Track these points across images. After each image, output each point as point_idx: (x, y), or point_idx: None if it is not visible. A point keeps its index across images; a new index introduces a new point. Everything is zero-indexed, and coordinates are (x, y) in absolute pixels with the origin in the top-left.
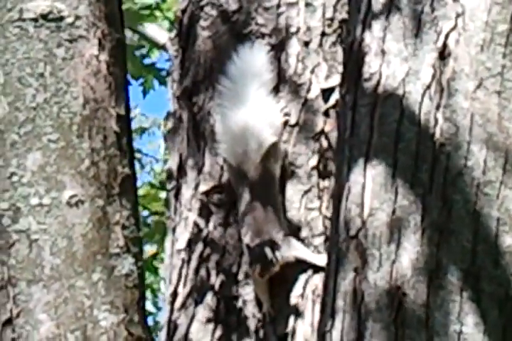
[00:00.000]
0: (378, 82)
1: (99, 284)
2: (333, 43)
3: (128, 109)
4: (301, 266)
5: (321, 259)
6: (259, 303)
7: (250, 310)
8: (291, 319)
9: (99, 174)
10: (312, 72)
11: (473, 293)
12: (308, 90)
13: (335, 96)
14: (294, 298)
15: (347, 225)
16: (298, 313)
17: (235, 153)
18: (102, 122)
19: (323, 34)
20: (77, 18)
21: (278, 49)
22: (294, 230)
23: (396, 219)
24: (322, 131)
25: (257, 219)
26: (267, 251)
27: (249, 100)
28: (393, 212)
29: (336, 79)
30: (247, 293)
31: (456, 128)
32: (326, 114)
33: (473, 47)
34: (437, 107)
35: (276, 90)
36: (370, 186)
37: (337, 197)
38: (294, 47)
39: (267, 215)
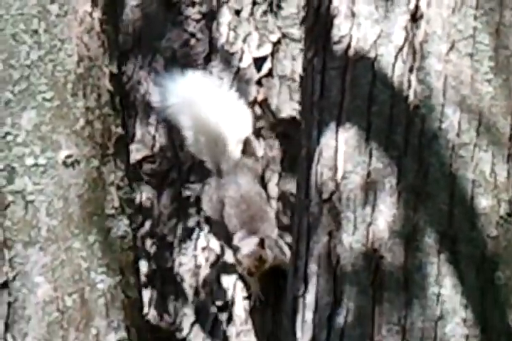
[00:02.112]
0: (349, 45)
1: (96, 246)
2: (264, 12)
3: (120, 68)
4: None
5: None
6: (195, 273)
7: (187, 280)
8: (231, 289)
9: (94, 134)
10: (244, 41)
11: (450, 255)
12: (240, 59)
13: (267, 65)
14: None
15: (319, 189)
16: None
17: (213, 153)
18: (96, 81)
19: (254, 3)
20: None
21: (209, 18)
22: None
23: (371, 182)
24: (255, 100)
25: (252, 217)
26: (260, 250)
27: (219, 103)
28: (368, 174)
29: (267, 48)
30: (183, 262)
31: (430, 90)
32: (259, 83)
33: (445, 9)
34: (410, 70)
35: (207, 59)
36: (343, 149)
37: (306, 161)
38: (225, 16)
39: (260, 214)
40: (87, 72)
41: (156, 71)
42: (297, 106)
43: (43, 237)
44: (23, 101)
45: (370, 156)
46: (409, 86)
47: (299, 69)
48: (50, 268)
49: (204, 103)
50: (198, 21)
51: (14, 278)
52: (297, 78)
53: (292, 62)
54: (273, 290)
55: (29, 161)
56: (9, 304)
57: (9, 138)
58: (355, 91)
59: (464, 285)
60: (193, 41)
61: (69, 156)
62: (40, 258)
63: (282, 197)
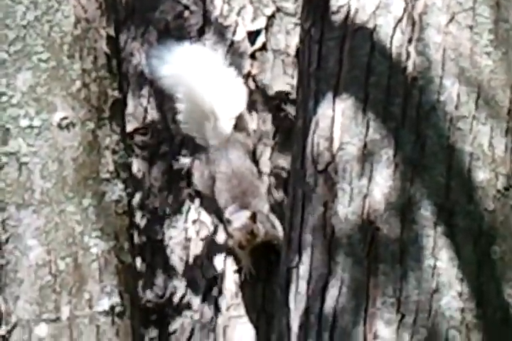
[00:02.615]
0: (347, 15)
1: (90, 210)
2: None
3: (117, 31)
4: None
5: None
6: (185, 247)
7: (177, 253)
8: (221, 262)
9: (90, 96)
10: (238, 14)
11: (447, 228)
12: (234, 32)
13: (261, 39)
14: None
15: (315, 159)
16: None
17: (204, 128)
18: (92, 43)
19: None
20: None
21: None
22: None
23: (367, 154)
24: (249, 74)
25: (243, 192)
26: (252, 224)
27: (213, 76)
28: (364, 146)
29: (261, 22)
30: (173, 236)
31: (429, 62)
32: (253, 56)
33: None
34: (409, 41)
35: (201, 32)
36: (340, 120)
37: (302, 131)
38: None
39: (251, 189)
40: (84, 33)
41: (148, 43)
42: (291, 81)
43: (37, 200)
44: (18, 61)
45: (367, 127)
46: (408, 57)
47: (292, 43)
48: (43, 231)
49: (197, 76)
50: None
51: (7, 240)
52: (291, 52)
53: (286, 37)
54: (264, 264)
55: (24, 123)
56: (1, 266)
57: (4, 98)
58: (352, 61)
59: (460, 259)
60: (186, 13)
61: (64, 118)
62: (33, 221)
63: (274, 171)
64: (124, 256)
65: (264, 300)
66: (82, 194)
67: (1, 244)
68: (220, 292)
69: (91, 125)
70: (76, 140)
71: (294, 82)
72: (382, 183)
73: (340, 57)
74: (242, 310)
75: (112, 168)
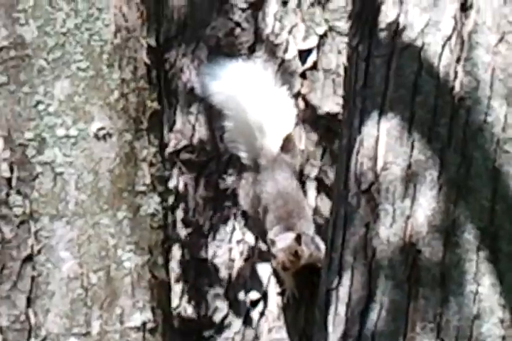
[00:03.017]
0: (395, 33)
1: (124, 223)
2: (312, 4)
3: (158, 42)
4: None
5: None
6: (229, 266)
7: (221, 273)
8: (265, 284)
9: (128, 107)
10: (290, 32)
11: (490, 253)
12: (285, 51)
13: (312, 58)
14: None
15: (358, 179)
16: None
17: (252, 147)
18: (132, 52)
19: None
20: None
21: (255, 7)
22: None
23: (411, 174)
24: (299, 93)
25: (289, 213)
26: (296, 245)
27: (263, 95)
28: (409, 166)
29: (313, 41)
30: (218, 255)
31: (477, 82)
32: (303, 75)
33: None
34: (457, 60)
35: (252, 50)
36: (385, 139)
37: (346, 150)
38: (272, 6)
39: (297, 210)
40: (124, 43)
41: (199, 59)
42: (340, 101)
43: (71, 211)
44: (56, 69)
45: (412, 147)
46: (456, 77)
47: (344, 63)
48: (76, 243)
49: (247, 93)
50: (244, 10)
51: (39, 251)
52: (342, 72)
53: (338, 56)
54: (308, 287)
55: (60, 132)
56: (33, 278)
57: (41, 107)
58: (399, 80)
59: (503, 285)
60: (238, 30)
61: (101, 129)
62: (66, 233)
63: (321, 190)
64: (157, 271)
65: (306, 324)
66: (117, 206)
67: (33, 256)
68: (263, 314)
69: (128, 136)
70: (113, 151)
71: None
72: (425, 205)
73: (386, 75)
74: (283, 333)
75: (148, 180)
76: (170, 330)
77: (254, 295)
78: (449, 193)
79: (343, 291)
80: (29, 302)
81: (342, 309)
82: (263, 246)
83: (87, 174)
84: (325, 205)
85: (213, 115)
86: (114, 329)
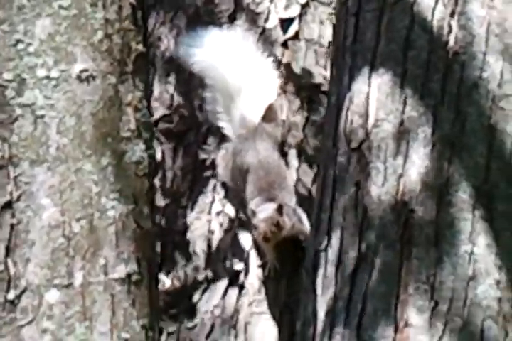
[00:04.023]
0: None
1: (108, 170)
2: None
3: (145, 14)
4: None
5: None
6: (208, 239)
7: (199, 246)
8: (244, 257)
9: (113, 48)
10: (271, 1)
11: (485, 212)
12: (266, 20)
13: (294, 28)
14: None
15: (348, 137)
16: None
17: (233, 117)
18: None
19: None
20: None
21: None
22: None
23: (404, 131)
24: (280, 63)
25: (270, 184)
26: (278, 216)
27: (244, 64)
28: (401, 123)
29: (295, 10)
30: (196, 228)
31: (472, 37)
32: (285, 45)
33: None
34: (451, 14)
35: (232, 18)
36: (376, 96)
37: (335, 108)
38: None
39: (278, 181)
40: None
41: (178, 28)
42: (323, 72)
43: (52, 156)
44: (37, 7)
45: (405, 104)
46: (450, 31)
47: (326, 33)
48: (57, 190)
49: (228, 62)
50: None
51: (19, 198)
52: (324, 43)
53: (320, 26)
54: (289, 260)
55: (41, 73)
56: (12, 226)
57: (20, 46)
58: (391, 35)
59: (499, 245)
60: None
61: (84, 70)
62: (47, 179)
63: (303, 162)
64: (142, 221)
65: (287, 297)
66: (101, 152)
67: (12, 202)
68: (243, 287)
69: (112, 79)
70: (96, 94)
71: (327, 73)
72: (418, 163)
73: (377, 30)
74: (264, 307)
75: (133, 126)
76: (155, 283)
77: (234, 267)
78: (443, 150)
79: (333, 252)
80: (8, 251)
81: (331, 271)
82: (243, 218)
83: (69, 117)
84: (307, 176)
85: (192, 84)
86: (98, 281)
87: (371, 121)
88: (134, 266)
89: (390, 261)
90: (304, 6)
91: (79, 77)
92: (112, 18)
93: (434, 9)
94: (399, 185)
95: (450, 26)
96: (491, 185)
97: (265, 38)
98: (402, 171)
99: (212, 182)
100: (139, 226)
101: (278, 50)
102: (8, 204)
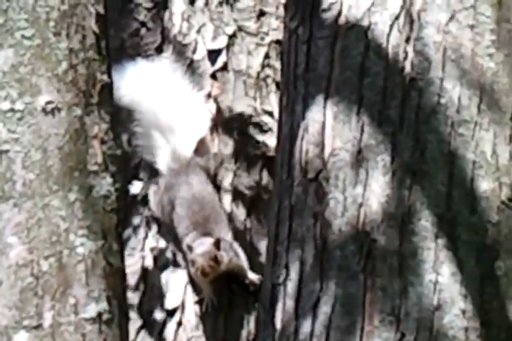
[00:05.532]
0: (339, 13)
1: (76, 205)
2: (220, 3)
3: (106, 10)
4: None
5: (255, 277)
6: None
7: (134, 284)
8: (181, 293)
9: (78, 79)
10: (198, 32)
11: (449, 241)
12: (194, 51)
13: (222, 59)
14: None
15: (304, 168)
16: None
17: (163, 151)
18: (80, 20)
19: None
20: None
21: (161, 6)
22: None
23: (362, 160)
24: (209, 95)
25: (206, 218)
26: (216, 250)
27: (174, 97)
28: (359, 151)
29: (222, 41)
30: (130, 264)
31: (428, 62)
32: (214, 76)
33: None
34: (407, 40)
35: (159, 50)
36: (331, 124)
37: (288, 137)
38: (179, 5)
39: (214, 215)
40: (72, 9)
41: None
42: (252, 103)
43: (18, 192)
44: None
45: (362, 132)
46: (406, 57)
47: (254, 64)
48: (24, 228)
49: (157, 96)
50: (149, 10)
51: None
52: (253, 73)
53: (248, 57)
54: (226, 295)
55: (5, 106)
56: None
57: None
58: (345, 62)
59: (463, 274)
60: (143, 31)
61: (49, 102)
62: (13, 216)
63: (236, 195)
64: (112, 258)
65: (225, 332)
66: (68, 187)
67: None
68: (180, 323)
69: (78, 111)
70: (62, 127)
71: (256, 104)
72: (378, 192)
73: (331, 57)
74: None
75: (100, 159)
76: (126, 322)
77: (170, 304)
78: (403, 179)
79: (292, 285)
80: None
81: (291, 304)
82: (177, 254)
83: (34, 152)
84: (240, 210)
85: (119, 119)
86: (68, 321)
87: (328, 150)
88: (104, 304)
89: (353, 293)
90: (231, 37)
91: (44, 110)
92: (76, 47)
93: (388, 35)
94: (359, 215)
95: (406, 52)
96: (454, 213)
97: (193, 70)
98: (362, 200)
99: (144, 218)
100: (109, 263)
101: (207, 82)
102: None
